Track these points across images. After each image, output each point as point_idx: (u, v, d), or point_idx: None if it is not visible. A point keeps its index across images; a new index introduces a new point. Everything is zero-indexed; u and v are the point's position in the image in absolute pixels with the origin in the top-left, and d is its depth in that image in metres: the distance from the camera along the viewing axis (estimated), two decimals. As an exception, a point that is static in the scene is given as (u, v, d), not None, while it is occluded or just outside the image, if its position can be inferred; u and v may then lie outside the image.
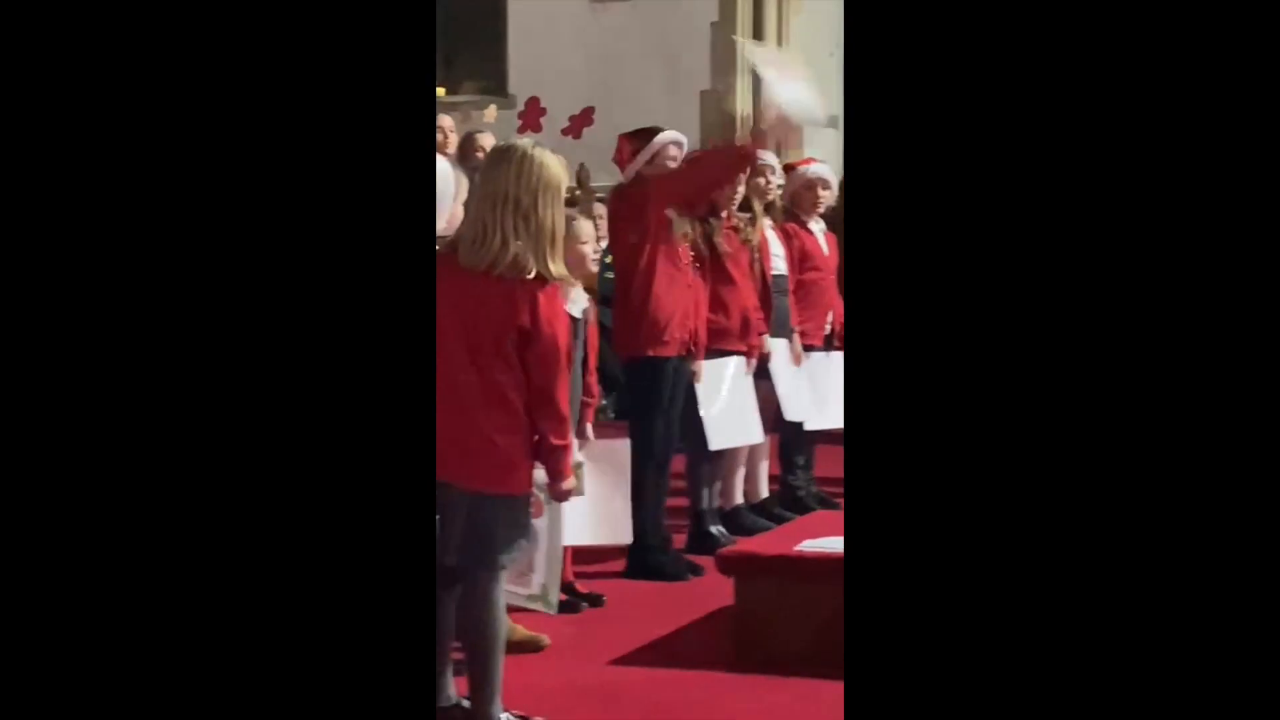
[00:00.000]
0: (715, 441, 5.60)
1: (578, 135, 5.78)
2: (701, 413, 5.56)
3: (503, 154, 3.48)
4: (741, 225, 5.84)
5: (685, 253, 5.47)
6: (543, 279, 3.40)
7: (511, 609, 4.58)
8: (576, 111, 11.28)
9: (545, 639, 4.54)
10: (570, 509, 4.68)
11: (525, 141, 3.60)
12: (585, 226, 4.80)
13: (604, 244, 7.31)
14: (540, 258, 3.39)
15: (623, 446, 5.01)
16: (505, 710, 3.52)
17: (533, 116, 5.49)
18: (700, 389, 5.55)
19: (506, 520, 3.46)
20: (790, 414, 6.05)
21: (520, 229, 3.37)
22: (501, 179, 3.40)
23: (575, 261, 4.75)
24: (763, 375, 5.92)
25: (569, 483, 3.57)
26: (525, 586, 4.38)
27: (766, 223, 6.10)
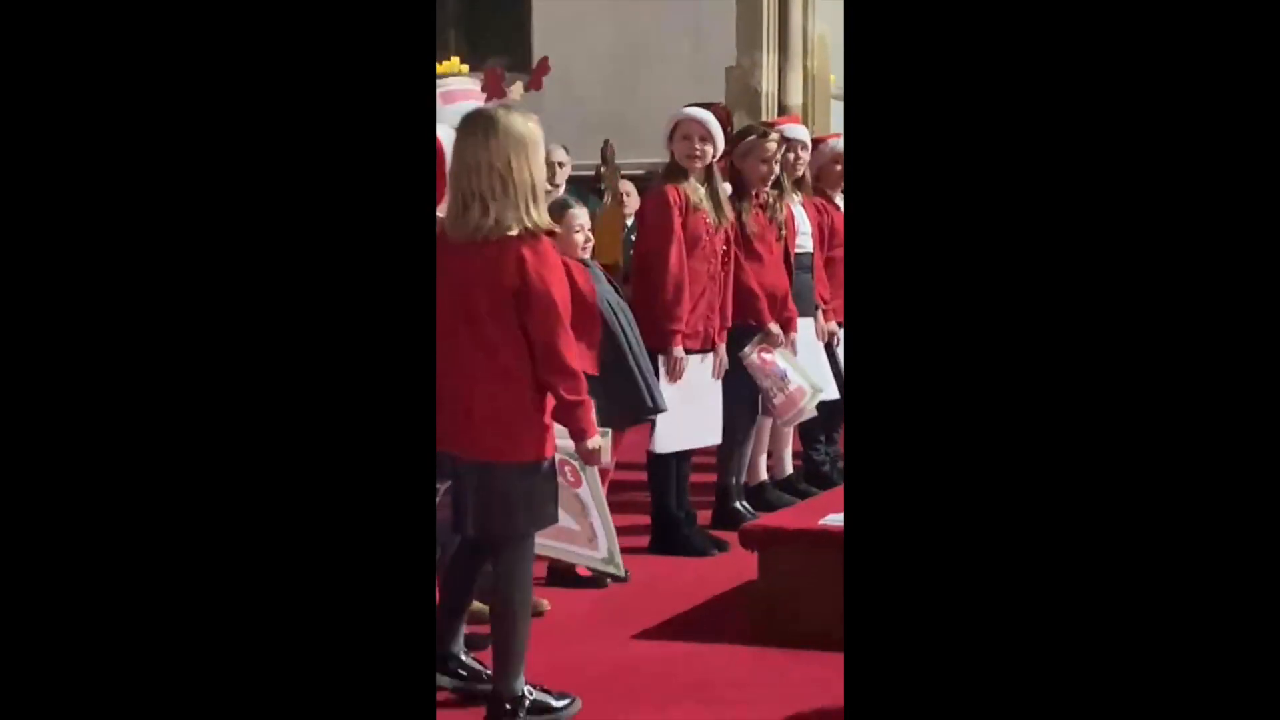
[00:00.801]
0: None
1: (539, 86, 5.74)
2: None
3: (470, 123, 3.50)
4: (770, 202, 5.81)
5: (719, 243, 5.43)
6: (528, 234, 3.39)
7: (587, 571, 4.68)
8: (599, 86, 11.28)
9: (545, 604, 4.56)
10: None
11: (489, 107, 3.65)
12: (579, 215, 4.82)
13: (630, 220, 7.27)
14: (522, 213, 3.40)
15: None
16: (527, 684, 3.52)
17: (494, 85, 5.43)
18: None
19: (524, 489, 3.44)
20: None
21: (498, 191, 3.38)
22: (471, 147, 3.42)
23: (567, 249, 4.80)
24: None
25: (593, 441, 3.53)
26: (595, 551, 4.41)
27: (796, 198, 6.07)
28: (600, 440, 3.61)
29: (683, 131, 5.36)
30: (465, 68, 11.06)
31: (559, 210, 4.88)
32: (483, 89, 5.34)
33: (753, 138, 5.80)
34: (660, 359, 5.22)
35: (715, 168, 5.42)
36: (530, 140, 3.45)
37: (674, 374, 5.23)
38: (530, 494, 3.45)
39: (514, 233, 3.37)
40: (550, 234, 3.47)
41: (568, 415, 3.46)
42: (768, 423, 5.96)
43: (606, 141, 10.40)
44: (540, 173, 3.49)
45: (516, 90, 5.31)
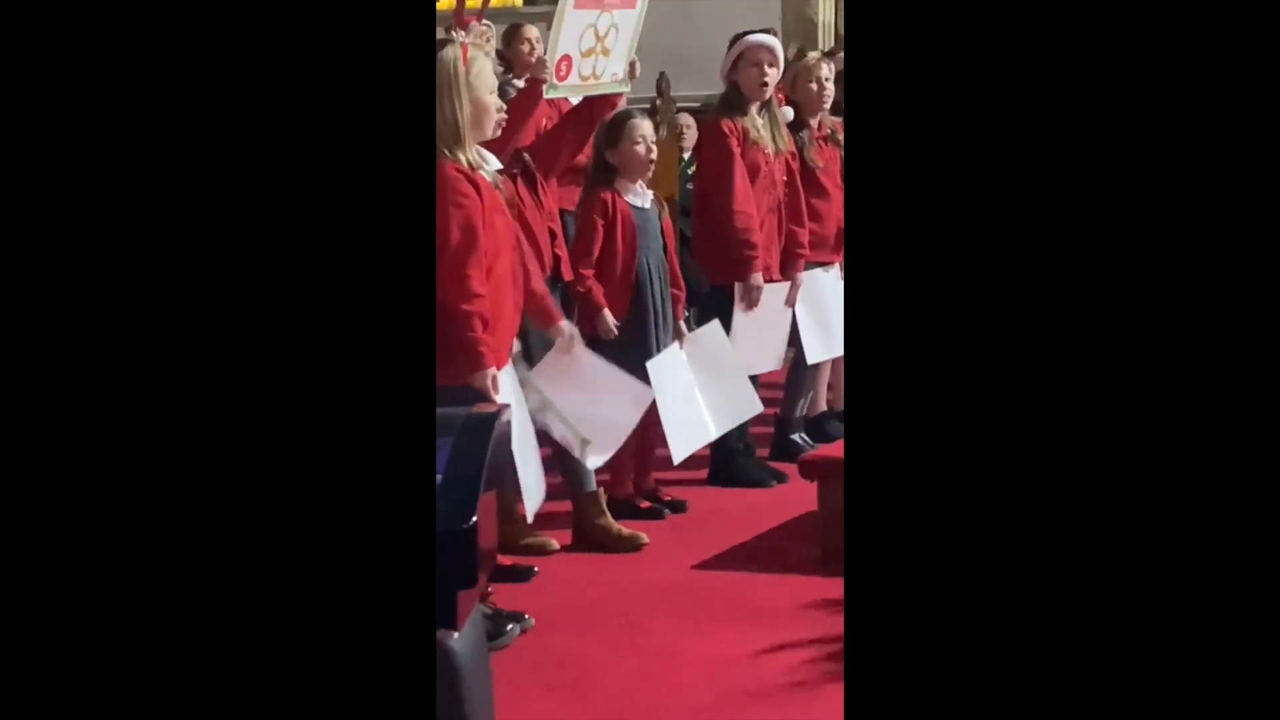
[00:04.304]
0: (812, 355, 5.58)
1: (480, 19, 5.78)
2: (800, 327, 5.54)
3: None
4: (833, 131, 5.73)
5: (778, 172, 5.39)
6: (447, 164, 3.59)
7: (647, 504, 4.70)
8: (653, 17, 11.19)
9: (644, 537, 4.59)
10: (689, 404, 4.87)
11: (444, 39, 3.85)
12: (639, 125, 4.80)
13: (687, 155, 7.24)
14: (445, 144, 3.61)
15: (713, 326, 5.11)
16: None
17: (459, 17, 5.46)
18: (799, 305, 5.52)
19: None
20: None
21: (440, 124, 3.61)
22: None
23: (628, 162, 4.78)
24: None
25: (478, 377, 3.63)
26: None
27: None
28: (489, 374, 3.66)
29: (750, 59, 5.28)
30: (519, 1, 10.96)
31: (620, 122, 4.87)
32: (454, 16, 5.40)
33: (796, 61, 5.73)
34: (737, 287, 5.21)
35: (773, 97, 5.38)
36: (450, 75, 3.64)
37: (750, 301, 5.22)
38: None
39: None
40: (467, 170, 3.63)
41: (451, 347, 3.56)
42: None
43: (662, 74, 10.35)
44: (467, 110, 3.67)
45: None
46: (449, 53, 3.67)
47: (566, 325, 4.36)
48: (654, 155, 4.85)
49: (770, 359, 5.49)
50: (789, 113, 5.58)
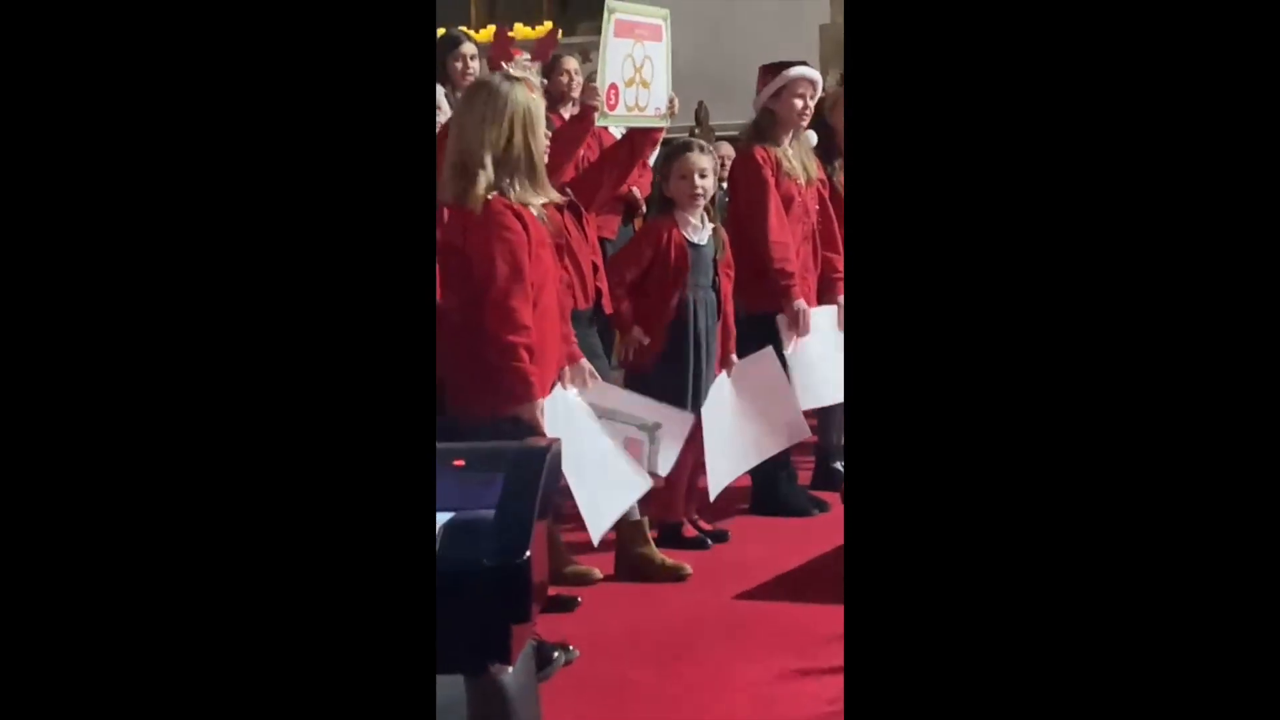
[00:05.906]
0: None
1: (546, 59, 5.75)
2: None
3: (474, 90, 3.72)
4: None
5: (810, 201, 5.40)
6: (481, 202, 3.61)
7: (693, 531, 4.72)
8: (691, 45, 11.24)
9: (687, 567, 4.60)
10: (729, 435, 4.87)
11: (495, 76, 3.83)
12: (691, 158, 4.81)
13: (724, 184, 7.26)
14: (514, 184, 3.63)
15: (766, 354, 5.10)
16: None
17: (501, 48, 5.45)
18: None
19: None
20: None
21: (494, 160, 3.62)
22: (475, 115, 3.63)
23: (678, 192, 4.80)
24: None
25: (525, 409, 3.66)
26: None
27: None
28: (538, 405, 3.70)
29: (794, 90, 5.28)
30: (560, 32, 11.01)
31: (674, 154, 4.88)
32: (491, 52, 5.37)
33: (837, 88, 5.73)
34: (780, 318, 5.21)
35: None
36: (523, 110, 3.65)
37: (800, 328, 5.21)
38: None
39: (479, 206, 3.60)
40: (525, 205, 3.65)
41: (499, 377, 3.62)
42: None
43: (700, 103, 10.36)
44: (537, 145, 3.68)
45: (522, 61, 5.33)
46: (520, 92, 3.68)
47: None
48: (701, 189, 4.82)
49: (835, 387, 5.22)
50: (813, 136, 5.60)
